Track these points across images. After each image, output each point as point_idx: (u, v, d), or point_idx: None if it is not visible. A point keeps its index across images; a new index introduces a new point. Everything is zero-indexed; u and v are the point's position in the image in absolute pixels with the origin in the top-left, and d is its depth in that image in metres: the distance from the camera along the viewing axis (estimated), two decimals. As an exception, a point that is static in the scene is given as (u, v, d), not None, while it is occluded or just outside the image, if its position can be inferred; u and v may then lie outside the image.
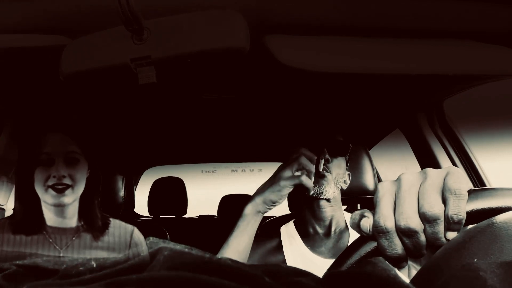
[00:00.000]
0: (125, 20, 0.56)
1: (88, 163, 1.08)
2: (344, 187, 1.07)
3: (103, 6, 0.65)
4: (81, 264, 0.30)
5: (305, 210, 1.05)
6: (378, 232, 0.42)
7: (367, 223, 0.44)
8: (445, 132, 1.30)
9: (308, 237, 1.04)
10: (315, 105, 1.38)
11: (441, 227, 0.40)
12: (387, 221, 0.42)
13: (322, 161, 0.98)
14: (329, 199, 1.01)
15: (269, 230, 1.12)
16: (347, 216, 1.08)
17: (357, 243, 0.46)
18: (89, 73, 0.63)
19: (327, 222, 1.03)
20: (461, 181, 0.41)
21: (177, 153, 2.28)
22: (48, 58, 0.69)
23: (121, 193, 1.73)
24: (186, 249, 0.29)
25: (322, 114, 1.47)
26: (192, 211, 2.49)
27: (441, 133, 1.30)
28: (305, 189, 0.95)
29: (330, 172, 1.01)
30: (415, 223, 0.41)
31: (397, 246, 0.42)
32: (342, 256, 0.47)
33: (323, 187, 0.99)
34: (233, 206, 2.60)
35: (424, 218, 0.41)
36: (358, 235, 0.47)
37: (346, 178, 1.08)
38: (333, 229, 1.03)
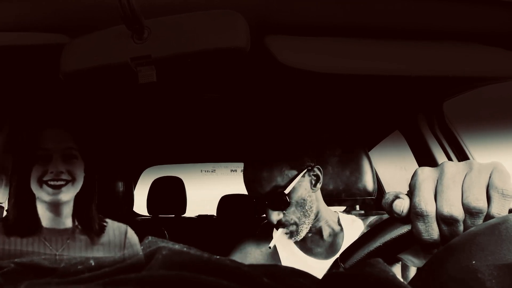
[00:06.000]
0: (126, 19, 0.56)
1: (85, 164, 1.06)
2: (317, 188, 1.01)
3: (104, 5, 0.65)
4: (79, 262, 0.30)
5: None
6: (416, 214, 0.41)
7: (401, 204, 0.43)
8: (445, 133, 1.30)
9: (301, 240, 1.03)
10: (315, 105, 1.38)
11: (481, 221, 0.40)
12: (428, 204, 0.41)
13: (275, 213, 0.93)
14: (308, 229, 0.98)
15: (267, 230, 1.13)
16: (342, 217, 1.06)
17: (362, 240, 0.46)
18: (89, 72, 0.63)
19: (318, 226, 1.02)
20: (508, 180, 0.40)
21: (177, 152, 2.28)
22: (48, 56, 0.69)
23: (120, 192, 1.73)
24: (185, 249, 0.29)
25: (322, 115, 1.47)
26: (191, 211, 2.49)
27: (441, 134, 1.30)
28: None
29: (289, 217, 0.96)
30: (458, 212, 0.40)
31: (434, 231, 0.41)
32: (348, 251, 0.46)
33: (294, 230, 0.96)
34: (232, 206, 2.60)
35: (467, 209, 0.40)
36: (352, 236, 0.47)
37: (314, 181, 1.01)
38: (325, 232, 1.01)
